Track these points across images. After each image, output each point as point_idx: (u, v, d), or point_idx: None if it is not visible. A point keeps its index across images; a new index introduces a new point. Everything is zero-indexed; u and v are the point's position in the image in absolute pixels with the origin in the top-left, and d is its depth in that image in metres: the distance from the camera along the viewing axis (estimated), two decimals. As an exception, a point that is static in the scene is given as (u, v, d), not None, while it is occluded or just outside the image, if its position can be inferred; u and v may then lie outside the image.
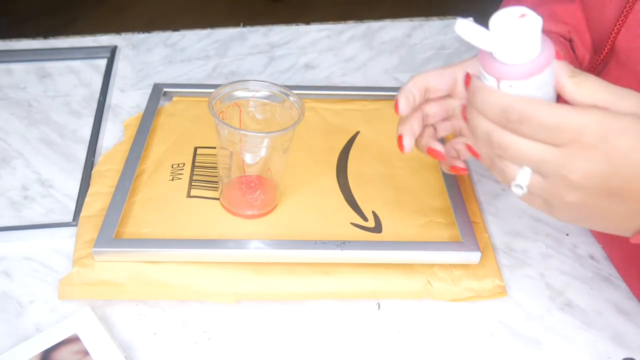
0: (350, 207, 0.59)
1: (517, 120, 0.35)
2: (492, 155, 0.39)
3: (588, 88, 0.36)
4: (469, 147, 0.43)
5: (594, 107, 0.36)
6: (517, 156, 0.37)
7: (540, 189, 0.37)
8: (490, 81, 0.37)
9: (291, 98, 0.55)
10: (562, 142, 0.35)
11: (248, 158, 0.55)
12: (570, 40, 0.54)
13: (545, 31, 0.39)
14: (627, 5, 0.48)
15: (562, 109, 0.35)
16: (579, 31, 0.55)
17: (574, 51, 0.55)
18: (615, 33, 0.49)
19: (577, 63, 0.55)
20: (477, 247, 0.54)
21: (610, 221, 0.39)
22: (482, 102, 0.37)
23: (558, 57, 0.37)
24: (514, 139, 0.36)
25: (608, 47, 0.50)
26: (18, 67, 0.79)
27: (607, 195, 0.36)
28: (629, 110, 0.35)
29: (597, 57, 0.52)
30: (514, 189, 0.38)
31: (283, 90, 0.55)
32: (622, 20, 0.48)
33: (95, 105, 0.72)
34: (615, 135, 0.34)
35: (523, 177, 0.37)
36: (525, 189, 0.38)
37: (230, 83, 0.55)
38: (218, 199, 0.58)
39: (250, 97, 0.56)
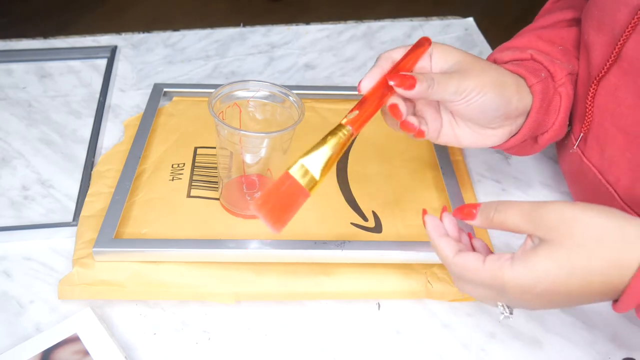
0: (350, 207, 0.59)
1: (458, 272, 0.42)
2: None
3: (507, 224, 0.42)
4: None
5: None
6: (474, 296, 0.43)
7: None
8: None
9: (291, 98, 0.55)
10: (498, 289, 0.41)
11: (248, 158, 0.55)
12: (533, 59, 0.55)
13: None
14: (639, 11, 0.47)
15: (481, 270, 0.41)
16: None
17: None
18: (624, 39, 0.49)
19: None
20: (477, 247, 0.53)
21: (576, 304, 0.42)
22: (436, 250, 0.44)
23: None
24: (469, 289, 0.43)
25: (615, 53, 0.50)
26: (18, 67, 0.79)
27: (568, 294, 0.39)
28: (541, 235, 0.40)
29: (603, 65, 0.51)
30: (500, 317, 0.44)
31: (283, 90, 0.55)
32: (632, 26, 0.48)
33: (95, 105, 0.72)
34: (578, 239, 0.38)
35: (501, 309, 0.43)
36: (507, 313, 0.43)
37: (230, 83, 0.55)
38: (218, 199, 0.58)
39: (250, 97, 0.56)
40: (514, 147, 0.55)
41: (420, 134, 0.49)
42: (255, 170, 0.56)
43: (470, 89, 0.48)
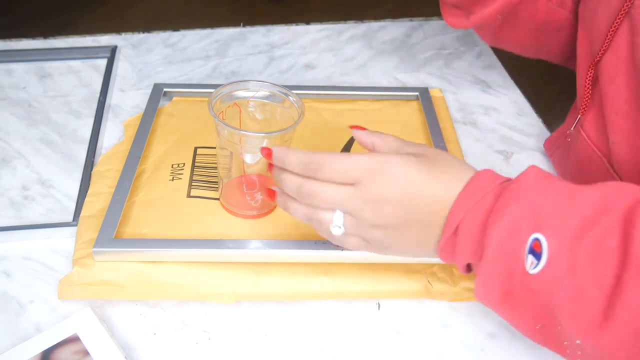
0: (350, 207, 0.59)
1: (317, 169, 0.43)
2: (307, 212, 0.46)
3: (383, 147, 0.46)
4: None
5: (376, 152, 0.45)
6: (325, 199, 0.44)
7: (354, 226, 0.44)
8: None
9: (291, 98, 0.55)
10: (355, 180, 0.42)
11: (248, 158, 0.55)
12: None
13: None
14: None
15: (349, 155, 0.43)
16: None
17: None
18: (617, 24, 0.49)
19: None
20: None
21: (414, 244, 0.44)
22: (289, 163, 0.45)
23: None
24: (319, 186, 0.44)
25: (607, 40, 0.50)
26: (18, 67, 0.79)
27: (404, 221, 0.43)
28: (411, 151, 0.44)
29: (598, 51, 0.52)
30: (333, 230, 0.45)
31: (283, 90, 0.55)
32: (624, 11, 0.48)
33: (95, 105, 0.72)
34: (394, 167, 0.42)
35: (338, 218, 0.44)
36: (342, 228, 0.44)
37: (230, 83, 0.55)
38: (218, 199, 0.58)
39: (250, 97, 0.56)
40: None
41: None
42: (255, 170, 0.56)
43: None
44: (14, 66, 0.79)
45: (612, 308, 0.35)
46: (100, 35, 0.85)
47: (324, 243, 0.53)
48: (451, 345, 0.51)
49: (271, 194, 0.49)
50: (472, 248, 0.41)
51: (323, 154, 0.44)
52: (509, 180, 0.42)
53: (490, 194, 0.41)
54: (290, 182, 0.46)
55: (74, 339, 0.48)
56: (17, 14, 2.21)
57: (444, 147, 0.65)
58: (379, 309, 0.53)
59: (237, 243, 0.53)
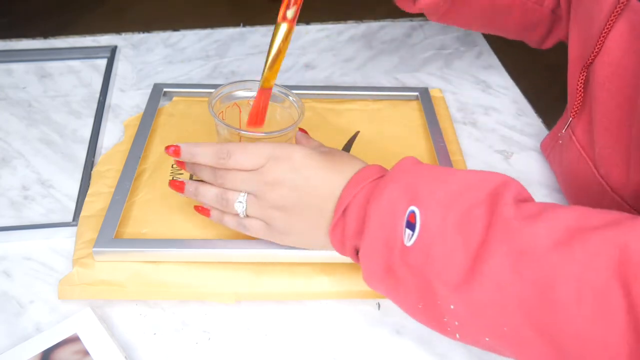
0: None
1: (226, 156, 0.47)
2: (217, 192, 0.49)
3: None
4: (199, 208, 0.53)
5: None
6: (233, 180, 0.48)
7: (255, 205, 0.48)
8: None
9: (291, 98, 0.55)
10: (260, 165, 0.47)
11: None
12: None
13: None
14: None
15: (257, 143, 0.48)
16: None
17: None
18: (608, 28, 0.49)
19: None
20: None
21: (309, 228, 0.48)
22: (201, 154, 0.49)
23: None
24: (230, 171, 0.48)
25: (599, 44, 0.50)
26: (18, 67, 0.79)
27: (300, 204, 0.46)
28: (320, 150, 0.48)
29: (590, 54, 0.52)
30: (236, 206, 0.48)
31: (283, 90, 0.55)
32: (616, 13, 0.48)
33: (95, 105, 0.72)
34: (296, 154, 0.47)
35: (242, 197, 0.48)
36: (245, 204, 0.48)
37: (230, 83, 0.55)
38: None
39: (250, 97, 0.56)
40: None
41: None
42: None
43: None
44: (14, 66, 0.79)
45: (478, 264, 0.38)
46: (100, 35, 0.85)
47: (324, 243, 0.53)
48: (451, 345, 0.51)
49: (179, 185, 0.52)
50: (357, 228, 0.44)
51: (234, 143, 0.49)
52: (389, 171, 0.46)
53: (375, 180, 0.45)
54: (205, 170, 0.50)
55: (74, 339, 0.48)
56: (17, 14, 2.21)
57: (444, 147, 0.65)
58: (379, 309, 0.53)
59: (237, 243, 0.53)
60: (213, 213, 0.51)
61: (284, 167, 0.46)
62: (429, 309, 0.42)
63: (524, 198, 0.41)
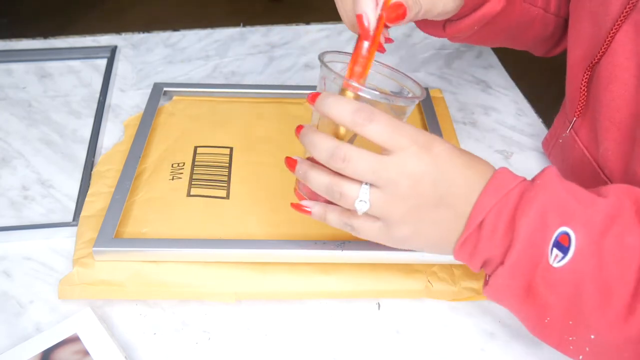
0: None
1: (367, 118, 0.40)
2: (329, 182, 0.42)
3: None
4: (297, 206, 0.46)
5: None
6: (359, 166, 0.40)
7: (380, 202, 0.41)
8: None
9: (409, 83, 0.48)
10: (397, 149, 0.40)
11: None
12: None
13: None
14: (630, 1, 0.48)
15: (398, 121, 0.41)
16: None
17: None
18: (615, 29, 0.49)
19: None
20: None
21: (439, 232, 0.42)
22: (337, 108, 0.40)
23: None
24: (356, 151, 0.40)
25: (606, 44, 0.50)
26: (18, 67, 0.79)
27: (435, 204, 0.41)
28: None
29: (595, 55, 0.52)
30: (358, 205, 0.41)
31: (400, 75, 0.49)
32: (624, 16, 0.48)
33: (95, 105, 0.72)
34: (439, 144, 0.41)
35: (364, 192, 0.41)
36: (368, 203, 0.41)
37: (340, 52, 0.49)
38: (218, 197, 0.58)
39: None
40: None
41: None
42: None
43: None
44: (14, 66, 0.79)
45: (636, 302, 0.37)
46: (100, 35, 0.85)
47: (324, 243, 0.53)
48: (451, 345, 0.51)
49: (291, 163, 0.45)
50: (496, 242, 0.41)
51: (374, 108, 0.41)
52: (526, 179, 0.43)
53: (515, 190, 0.41)
54: (324, 143, 0.41)
55: (74, 339, 0.48)
56: (17, 14, 2.21)
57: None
58: (379, 308, 0.53)
59: (237, 243, 0.53)
60: (315, 210, 0.45)
61: (426, 158, 0.40)
62: (555, 326, 0.40)
63: None
